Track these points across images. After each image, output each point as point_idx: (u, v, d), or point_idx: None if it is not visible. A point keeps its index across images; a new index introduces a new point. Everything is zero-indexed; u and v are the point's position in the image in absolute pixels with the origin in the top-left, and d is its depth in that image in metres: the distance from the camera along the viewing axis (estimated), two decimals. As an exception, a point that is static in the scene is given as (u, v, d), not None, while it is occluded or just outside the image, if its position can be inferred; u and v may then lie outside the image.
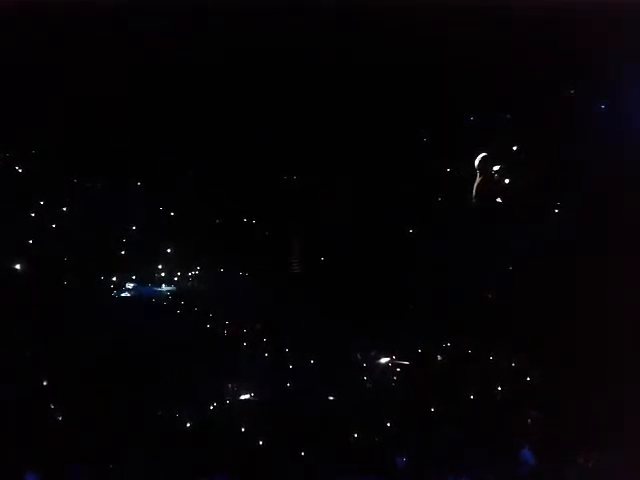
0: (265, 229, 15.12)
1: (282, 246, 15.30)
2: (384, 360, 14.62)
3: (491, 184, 12.27)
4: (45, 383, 12.72)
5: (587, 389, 12.17)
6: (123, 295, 14.53)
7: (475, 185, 12.25)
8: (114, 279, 14.50)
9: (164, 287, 14.83)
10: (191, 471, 9.91)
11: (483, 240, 14.10)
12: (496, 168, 12.34)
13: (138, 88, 13.27)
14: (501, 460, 11.23)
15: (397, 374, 14.45)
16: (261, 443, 12.75)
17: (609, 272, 12.63)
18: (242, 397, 13.78)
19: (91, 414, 11.82)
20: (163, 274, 14.91)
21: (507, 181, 12.70)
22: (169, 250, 14.95)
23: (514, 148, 13.22)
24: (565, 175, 13.15)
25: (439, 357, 14.43)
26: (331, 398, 13.92)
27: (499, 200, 12.76)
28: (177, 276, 14.99)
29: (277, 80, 13.26)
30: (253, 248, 14.91)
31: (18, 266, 13.54)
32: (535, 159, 13.10)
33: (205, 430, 12.75)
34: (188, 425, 12.97)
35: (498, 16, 11.58)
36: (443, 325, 14.00)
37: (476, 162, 12.23)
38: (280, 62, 12.99)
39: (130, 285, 14.63)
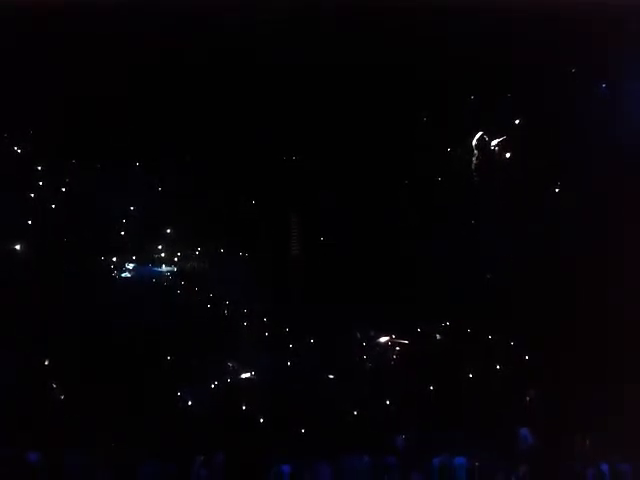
0: (265, 211, 15.12)
1: (282, 227, 15.33)
2: (384, 339, 14.70)
3: (490, 162, 12.30)
4: (47, 363, 12.85)
5: (584, 369, 12.25)
6: (124, 275, 14.58)
7: (474, 163, 12.26)
8: (114, 260, 14.56)
9: (164, 267, 14.88)
10: (191, 449, 10.02)
11: (482, 221, 14.14)
12: (494, 143, 12.35)
13: (138, 72, 13.25)
14: (500, 438, 11.27)
15: (396, 353, 14.54)
16: (261, 421, 12.89)
17: (608, 254, 12.64)
18: (242, 376, 13.89)
19: (92, 393, 11.93)
20: (163, 255, 14.95)
21: (507, 156, 12.72)
22: (169, 231, 14.98)
23: (510, 126, 13.22)
24: (563, 155, 13.14)
25: (438, 336, 14.54)
26: (331, 377, 14.02)
27: (498, 177, 12.82)
28: (177, 257, 15.03)
29: (275, 64, 13.20)
30: (253, 229, 14.93)
31: (18, 247, 13.60)
32: (532, 136, 13.10)
33: (205, 409, 12.89)
34: (189, 403, 13.12)
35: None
36: (442, 305, 14.06)
37: (474, 141, 12.25)
38: (277, 49, 12.95)
39: (130, 266, 14.68)
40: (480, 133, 12.68)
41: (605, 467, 9.64)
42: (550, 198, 13.75)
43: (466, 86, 12.94)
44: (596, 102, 13.14)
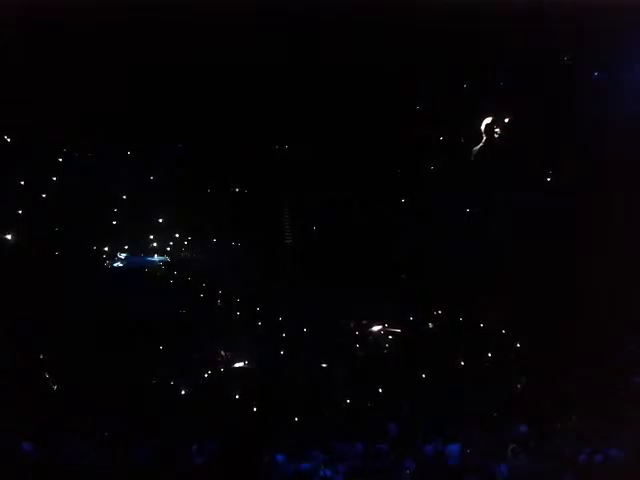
0: (258, 199, 15.09)
1: (275, 216, 15.31)
2: (376, 328, 14.75)
3: (494, 147, 12.47)
4: (40, 353, 12.81)
5: (577, 356, 12.37)
6: (116, 265, 14.53)
7: (477, 148, 12.43)
8: (106, 249, 14.50)
9: (156, 257, 14.84)
10: (184, 437, 10.04)
11: (477, 209, 14.22)
12: (499, 132, 12.50)
13: (131, 58, 13.17)
14: (493, 425, 11.34)
15: (389, 342, 14.59)
16: (255, 410, 12.91)
17: (603, 243, 12.74)
18: (236, 365, 13.91)
19: (86, 383, 11.92)
20: (155, 244, 14.90)
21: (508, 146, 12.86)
22: (161, 220, 14.93)
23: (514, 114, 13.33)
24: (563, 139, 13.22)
25: (430, 325, 14.61)
26: (324, 366, 14.07)
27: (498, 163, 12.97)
28: (169, 246, 15.00)
29: (270, 50, 13.16)
30: (246, 218, 14.91)
31: (10, 237, 13.52)
32: (533, 123, 13.20)
33: (199, 398, 12.90)
34: (182, 393, 13.12)
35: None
36: (435, 293, 14.12)
37: (482, 126, 12.48)
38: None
39: (123, 255, 14.63)
40: (489, 119, 12.86)
41: (597, 452, 9.71)
42: (548, 186, 13.87)
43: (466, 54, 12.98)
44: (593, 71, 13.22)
